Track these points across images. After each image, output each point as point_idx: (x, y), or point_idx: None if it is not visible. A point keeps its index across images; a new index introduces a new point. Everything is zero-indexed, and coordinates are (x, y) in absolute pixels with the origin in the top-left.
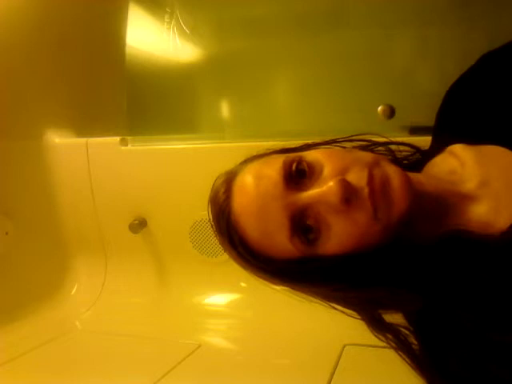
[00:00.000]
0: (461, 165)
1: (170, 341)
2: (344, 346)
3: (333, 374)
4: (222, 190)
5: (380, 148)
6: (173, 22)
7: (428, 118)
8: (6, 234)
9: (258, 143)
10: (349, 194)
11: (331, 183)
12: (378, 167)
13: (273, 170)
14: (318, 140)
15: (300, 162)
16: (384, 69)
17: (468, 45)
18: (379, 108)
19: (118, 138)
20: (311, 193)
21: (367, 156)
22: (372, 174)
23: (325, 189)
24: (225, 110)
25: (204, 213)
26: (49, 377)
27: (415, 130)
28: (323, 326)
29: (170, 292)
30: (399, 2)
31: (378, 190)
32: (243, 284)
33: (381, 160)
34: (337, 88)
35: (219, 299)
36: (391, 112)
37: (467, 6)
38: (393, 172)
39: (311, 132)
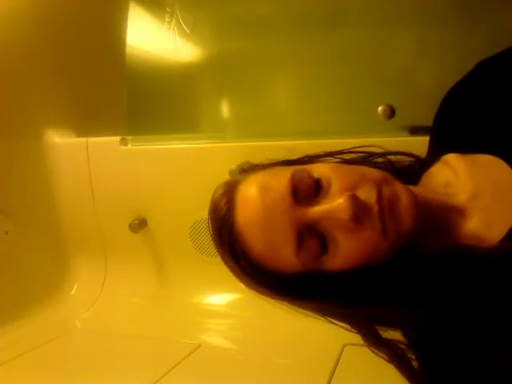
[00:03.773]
0: (455, 175)
1: (169, 341)
2: (344, 346)
3: (333, 373)
4: (224, 200)
5: (379, 159)
6: (173, 22)
7: (428, 118)
8: (6, 233)
9: (258, 143)
10: (359, 210)
11: (341, 200)
12: (387, 185)
13: (279, 182)
14: (320, 152)
15: (308, 176)
16: (384, 69)
17: (468, 45)
18: (379, 108)
19: (117, 138)
20: (320, 208)
21: (375, 173)
22: (381, 192)
23: (335, 205)
24: (225, 109)
25: (204, 213)
26: (48, 377)
27: (415, 130)
28: (323, 326)
29: (169, 292)
30: (399, 2)
31: (387, 208)
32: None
33: (389, 178)
34: (337, 88)
35: (219, 299)
36: (391, 112)
37: (467, 6)
38: (401, 190)
39: (311, 132)
